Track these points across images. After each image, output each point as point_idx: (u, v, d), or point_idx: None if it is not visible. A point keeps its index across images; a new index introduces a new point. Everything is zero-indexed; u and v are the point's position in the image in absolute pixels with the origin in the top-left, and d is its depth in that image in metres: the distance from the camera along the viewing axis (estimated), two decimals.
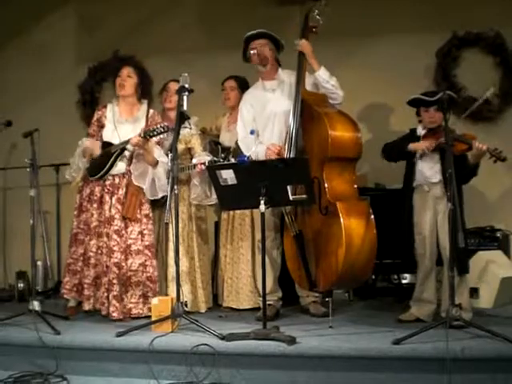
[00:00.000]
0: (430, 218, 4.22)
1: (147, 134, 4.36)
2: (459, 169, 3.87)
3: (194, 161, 4.72)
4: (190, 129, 4.76)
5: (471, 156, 4.07)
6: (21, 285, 5.56)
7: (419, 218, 4.26)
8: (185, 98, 4.05)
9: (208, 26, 6.25)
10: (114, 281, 4.39)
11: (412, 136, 4.36)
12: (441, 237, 4.17)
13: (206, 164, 4.54)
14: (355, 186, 4.32)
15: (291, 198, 3.82)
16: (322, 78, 4.41)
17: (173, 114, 4.76)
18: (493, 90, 4.14)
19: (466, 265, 4.19)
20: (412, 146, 4.26)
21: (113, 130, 4.60)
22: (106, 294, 4.42)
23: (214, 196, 4.74)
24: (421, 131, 4.34)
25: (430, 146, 4.17)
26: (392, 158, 4.44)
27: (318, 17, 4.47)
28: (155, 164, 4.51)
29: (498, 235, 5.18)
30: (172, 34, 6.26)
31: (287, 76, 4.58)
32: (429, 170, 4.23)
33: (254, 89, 4.75)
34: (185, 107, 4.05)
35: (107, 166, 4.50)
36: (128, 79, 4.64)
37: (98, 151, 4.56)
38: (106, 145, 4.57)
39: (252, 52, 4.58)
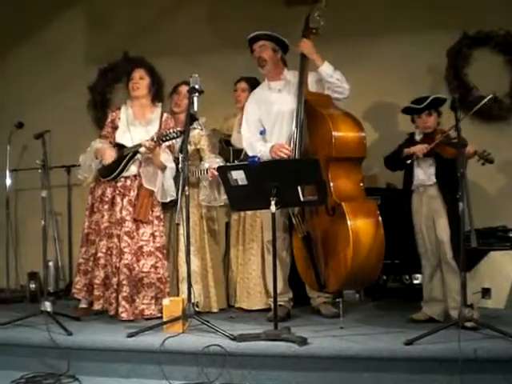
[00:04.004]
0: (427, 216, 4.27)
1: (160, 139, 4.37)
2: (449, 171, 3.89)
3: (206, 165, 4.73)
4: (201, 129, 4.78)
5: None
6: (32, 285, 5.59)
7: (417, 218, 4.33)
8: (195, 98, 4.05)
9: (218, 27, 6.26)
10: (124, 282, 4.41)
11: (411, 140, 4.43)
12: (438, 236, 4.20)
13: None
14: (362, 185, 4.32)
15: (302, 198, 3.81)
16: (326, 73, 4.40)
17: (182, 117, 4.78)
18: (492, 96, 4.22)
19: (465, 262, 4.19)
20: (406, 151, 4.31)
21: (125, 132, 4.62)
22: (114, 295, 4.43)
23: (223, 197, 4.77)
24: (417, 137, 4.41)
25: (421, 151, 4.21)
26: (395, 168, 4.51)
27: (318, 18, 4.45)
28: (164, 168, 4.52)
29: (511, 235, 5.15)
30: (181, 35, 6.27)
31: (293, 76, 4.57)
32: (423, 174, 4.29)
33: (260, 89, 4.74)
34: (195, 108, 4.05)
35: (120, 169, 4.51)
36: (141, 81, 4.66)
37: (110, 159, 4.54)
38: (119, 147, 4.58)
39: (254, 54, 4.61)
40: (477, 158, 4.07)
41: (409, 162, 4.24)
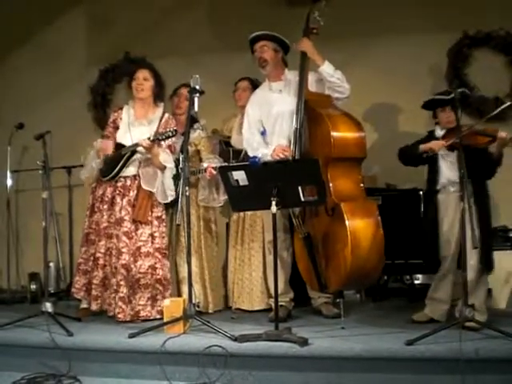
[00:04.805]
0: (454, 218, 4.15)
1: (156, 138, 4.37)
2: (482, 163, 3.82)
3: (205, 165, 4.74)
4: (202, 130, 4.80)
5: (495, 147, 4.04)
6: (33, 286, 5.60)
7: (445, 221, 4.22)
8: (196, 99, 4.05)
9: (218, 27, 6.27)
10: (122, 282, 4.41)
11: (430, 138, 4.33)
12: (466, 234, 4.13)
13: (217, 168, 4.55)
14: (361, 185, 4.30)
15: (302, 198, 3.81)
16: (327, 73, 4.38)
17: (183, 119, 4.79)
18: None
19: (491, 262, 4.16)
20: (422, 147, 4.23)
21: (126, 132, 4.62)
22: (113, 295, 4.44)
23: (222, 198, 4.79)
24: (439, 133, 4.31)
25: (438, 146, 4.13)
26: (409, 163, 4.41)
27: (318, 18, 4.44)
28: (163, 168, 4.53)
29: (511, 235, 5.15)
30: (182, 36, 6.28)
31: (294, 76, 4.56)
32: (450, 170, 4.18)
33: (260, 90, 4.73)
34: (196, 109, 4.05)
35: (117, 168, 4.52)
36: (145, 82, 4.65)
37: (110, 151, 4.56)
38: (119, 146, 4.59)
39: (255, 55, 4.59)
40: None
41: (425, 155, 4.13)
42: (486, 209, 4.03)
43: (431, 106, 4.35)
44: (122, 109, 4.76)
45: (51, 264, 5.84)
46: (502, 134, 3.99)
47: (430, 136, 4.35)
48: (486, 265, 4.08)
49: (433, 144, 4.18)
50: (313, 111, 4.32)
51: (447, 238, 4.20)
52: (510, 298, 4.76)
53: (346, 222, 3.99)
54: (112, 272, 4.45)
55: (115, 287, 4.42)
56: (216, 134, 5.27)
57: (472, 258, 3.99)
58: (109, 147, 4.58)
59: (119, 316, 4.36)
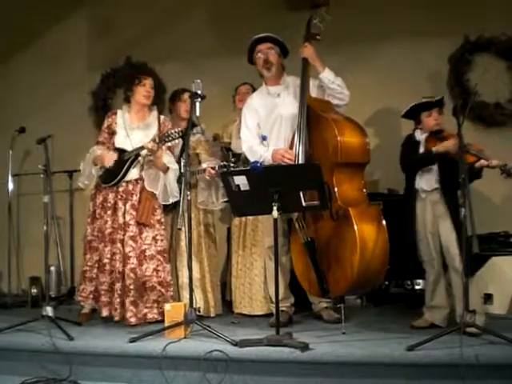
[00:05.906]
0: (431, 222, 4.24)
1: (162, 140, 4.38)
2: (455, 175, 3.85)
3: (204, 165, 4.74)
4: (203, 134, 4.80)
5: (478, 165, 4.08)
6: (34, 290, 5.60)
7: (421, 225, 4.28)
8: (197, 104, 4.05)
9: (220, 32, 6.26)
10: (131, 286, 4.42)
11: (412, 141, 4.37)
12: (443, 241, 4.18)
13: (216, 168, 4.57)
14: (364, 190, 4.32)
15: (304, 204, 3.81)
16: (327, 79, 4.39)
17: (185, 123, 4.79)
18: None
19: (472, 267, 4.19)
20: (435, 149, 4.18)
21: (125, 137, 4.62)
22: (118, 300, 4.44)
23: (220, 201, 4.78)
24: (421, 137, 4.35)
25: (454, 146, 4.05)
26: (415, 172, 4.37)
27: (319, 24, 4.45)
28: (166, 170, 4.53)
29: None
30: (184, 40, 6.27)
31: (292, 81, 4.57)
32: (425, 181, 4.24)
33: (258, 93, 4.72)
34: (197, 113, 4.05)
35: (121, 173, 4.52)
36: (151, 90, 4.66)
37: (111, 163, 4.55)
38: (119, 151, 4.59)
39: (258, 55, 4.58)
40: (500, 172, 4.05)
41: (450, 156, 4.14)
42: (458, 216, 4.03)
43: (414, 112, 4.37)
44: (115, 114, 4.75)
45: (52, 268, 5.84)
46: (492, 160, 4.03)
47: (411, 138, 4.39)
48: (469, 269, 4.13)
49: (449, 144, 4.11)
50: (317, 116, 4.32)
51: (425, 243, 4.25)
52: (510, 303, 4.74)
53: (355, 227, 4.00)
54: (117, 277, 4.45)
55: (122, 292, 4.42)
56: (217, 140, 5.26)
57: (457, 262, 4.06)
58: (111, 159, 4.56)
59: (131, 320, 4.37)
